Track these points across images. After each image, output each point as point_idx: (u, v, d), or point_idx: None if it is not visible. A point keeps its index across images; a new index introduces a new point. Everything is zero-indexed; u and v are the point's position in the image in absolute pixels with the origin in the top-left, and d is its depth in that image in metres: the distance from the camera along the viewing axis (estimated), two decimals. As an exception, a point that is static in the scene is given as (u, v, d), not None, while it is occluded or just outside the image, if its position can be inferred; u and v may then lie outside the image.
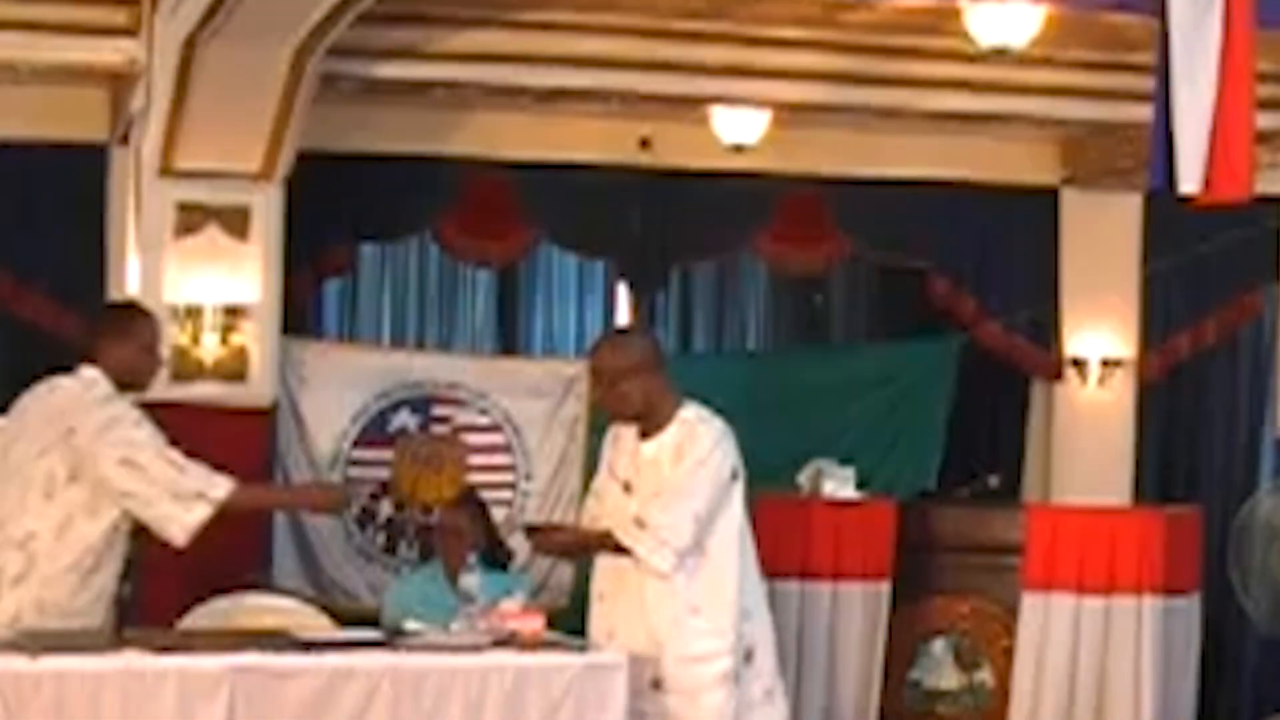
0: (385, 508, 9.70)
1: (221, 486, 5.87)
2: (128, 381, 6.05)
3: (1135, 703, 8.25)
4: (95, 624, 5.89)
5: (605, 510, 6.27)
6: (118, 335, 6.12)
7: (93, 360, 6.05)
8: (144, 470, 5.81)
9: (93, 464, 5.81)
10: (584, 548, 6.39)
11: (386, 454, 9.70)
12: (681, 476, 6.07)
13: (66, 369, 6.14)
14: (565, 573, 9.28)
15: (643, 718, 5.96)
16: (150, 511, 5.83)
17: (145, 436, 5.87)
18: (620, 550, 6.08)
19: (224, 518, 5.90)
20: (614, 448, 6.33)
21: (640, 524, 6.04)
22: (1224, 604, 10.09)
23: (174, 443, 5.98)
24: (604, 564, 6.27)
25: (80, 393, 5.95)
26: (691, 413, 6.19)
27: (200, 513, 5.81)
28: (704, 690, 6.07)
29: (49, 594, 5.82)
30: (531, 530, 6.71)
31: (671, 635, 6.06)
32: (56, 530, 5.83)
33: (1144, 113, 5.73)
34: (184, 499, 5.81)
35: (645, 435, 6.21)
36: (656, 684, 6.06)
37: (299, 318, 9.72)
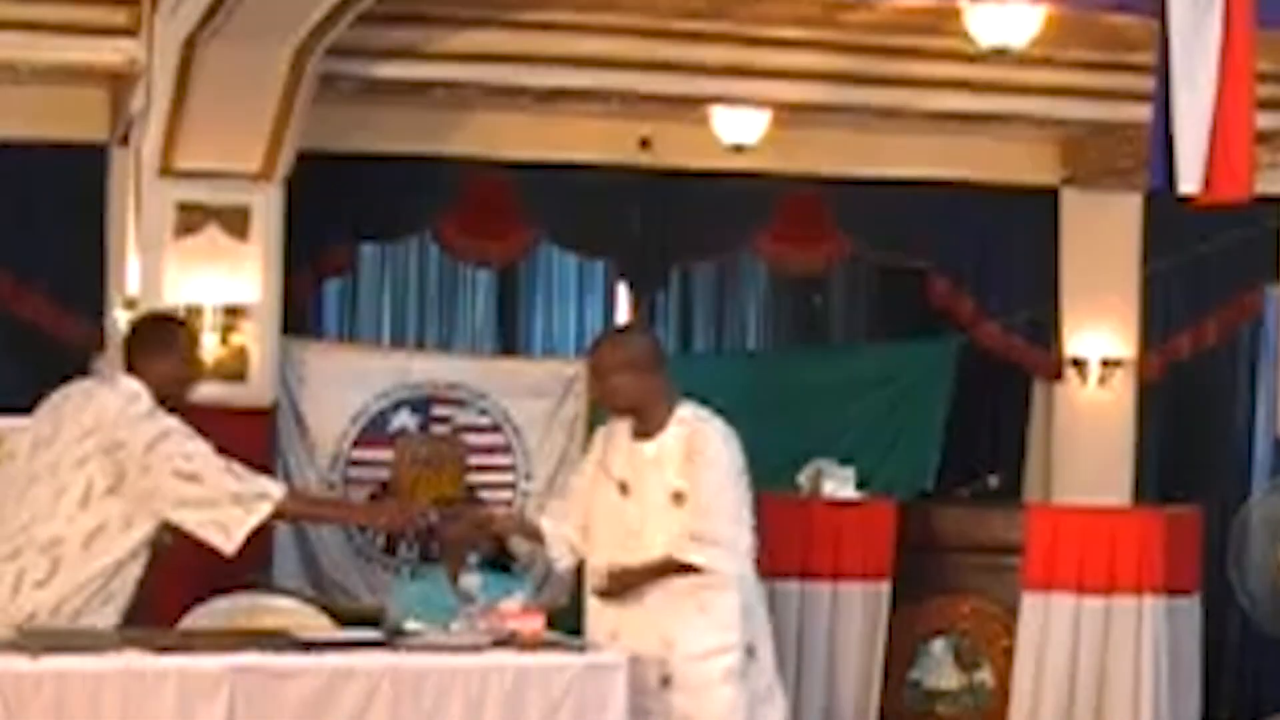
0: (385, 508, 9.67)
1: (277, 489, 5.92)
2: (168, 394, 5.97)
3: (1135, 703, 8.26)
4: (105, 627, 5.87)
5: (598, 511, 6.26)
6: (159, 348, 6.04)
7: (131, 370, 6.00)
8: (201, 480, 5.78)
9: (143, 476, 5.76)
10: (651, 578, 6.19)
11: (386, 454, 9.69)
12: (701, 483, 6.08)
13: (80, 372, 6.07)
14: (565, 572, 9.27)
15: (647, 716, 5.96)
16: (207, 517, 5.79)
17: (195, 447, 5.84)
18: (684, 569, 6.08)
19: None
20: (607, 444, 6.33)
21: (696, 539, 6.06)
22: (1224, 604, 10.07)
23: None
24: (598, 565, 6.27)
25: (123, 406, 5.86)
26: (689, 411, 6.19)
27: (262, 512, 5.82)
28: (712, 686, 6.09)
29: (68, 599, 5.79)
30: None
31: (679, 633, 6.07)
32: (85, 539, 5.79)
33: (1144, 113, 5.73)
34: (245, 501, 5.80)
35: (644, 435, 6.20)
36: (665, 682, 6.08)
37: (299, 318, 9.71)
